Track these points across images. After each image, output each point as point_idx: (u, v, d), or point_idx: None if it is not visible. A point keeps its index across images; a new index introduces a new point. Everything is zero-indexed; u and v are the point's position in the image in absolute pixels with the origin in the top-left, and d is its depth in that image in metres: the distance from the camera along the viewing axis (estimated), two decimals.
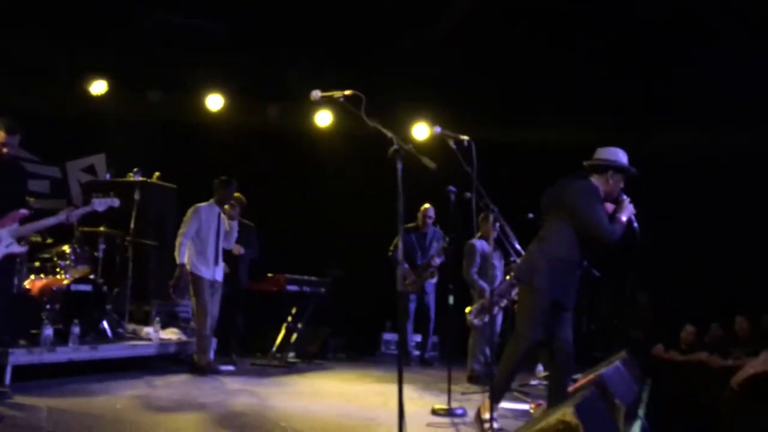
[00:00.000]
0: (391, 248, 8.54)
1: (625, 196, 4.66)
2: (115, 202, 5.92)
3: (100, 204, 5.80)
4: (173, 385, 6.19)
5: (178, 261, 6.83)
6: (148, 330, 7.20)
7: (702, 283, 9.07)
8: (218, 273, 7.01)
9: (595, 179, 4.66)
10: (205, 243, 6.92)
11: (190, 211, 7.00)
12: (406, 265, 8.55)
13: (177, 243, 6.89)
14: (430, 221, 8.73)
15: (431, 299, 8.73)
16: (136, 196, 7.64)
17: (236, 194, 7.44)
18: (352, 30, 8.41)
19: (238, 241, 7.43)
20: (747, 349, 7.32)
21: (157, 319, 7.33)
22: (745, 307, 8.16)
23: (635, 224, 4.60)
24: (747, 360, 6.67)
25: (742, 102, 8.44)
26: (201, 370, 6.76)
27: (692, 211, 9.29)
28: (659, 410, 6.37)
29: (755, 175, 9.02)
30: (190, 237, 6.88)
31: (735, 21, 7.51)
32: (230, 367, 7.20)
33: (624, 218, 4.55)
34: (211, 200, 7.08)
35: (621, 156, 4.73)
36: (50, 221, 5.54)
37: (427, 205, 8.70)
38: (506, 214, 5.68)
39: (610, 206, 4.66)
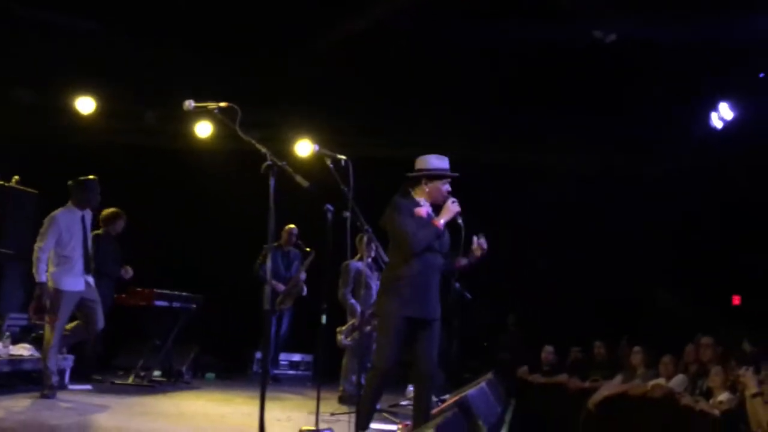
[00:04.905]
0: (257, 264, 8.47)
1: (451, 199, 4.61)
2: None
3: None
4: (22, 406, 5.74)
5: (37, 279, 6.13)
6: None
7: (566, 308, 9.53)
8: (83, 284, 6.38)
9: (416, 191, 4.66)
10: (69, 253, 6.31)
11: (46, 222, 6.31)
12: (282, 287, 8.63)
13: (34, 258, 6.15)
14: (293, 240, 8.87)
15: (285, 316, 8.87)
16: None
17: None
18: (241, 36, 8.23)
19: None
20: (604, 372, 7.74)
21: (8, 333, 6.78)
22: (604, 333, 8.63)
23: (460, 221, 4.57)
24: (603, 382, 7.05)
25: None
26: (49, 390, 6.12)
27: (561, 237, 9.75)
28: (521, 430, 6.60)
29: (627, 201, 9.58)
30: (48, 250, 6.20)
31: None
32: (87, 386, 6.76)
33: (442, 222, 4.55)
34: (69, 204, 6.45)
35: (433, 161, 4.68)
36: None
37: (292, 225, 8.81)
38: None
39: (423, 210, 4.60)
